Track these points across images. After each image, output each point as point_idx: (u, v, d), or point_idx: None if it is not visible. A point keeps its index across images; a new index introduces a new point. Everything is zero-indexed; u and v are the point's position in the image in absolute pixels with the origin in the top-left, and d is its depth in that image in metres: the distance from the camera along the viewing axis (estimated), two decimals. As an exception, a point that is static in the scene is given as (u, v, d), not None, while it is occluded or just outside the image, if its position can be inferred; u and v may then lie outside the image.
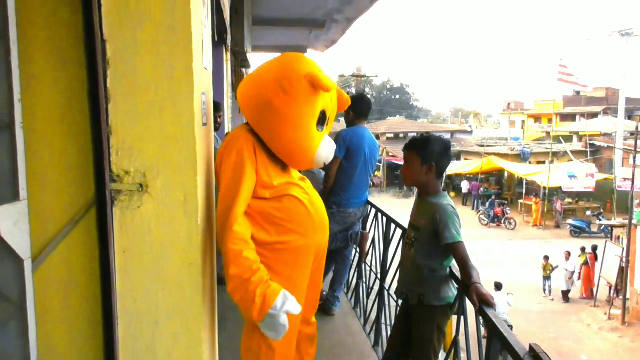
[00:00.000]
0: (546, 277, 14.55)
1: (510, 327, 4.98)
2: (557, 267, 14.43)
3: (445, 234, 2.06)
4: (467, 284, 1.92)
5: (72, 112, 1.60)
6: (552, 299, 14.29)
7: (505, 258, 16.83)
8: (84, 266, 1.64)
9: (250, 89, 2.00)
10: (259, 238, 1.93)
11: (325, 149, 2.02)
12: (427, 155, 2.16)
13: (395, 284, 2.56)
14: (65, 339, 1.64)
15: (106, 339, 1.64)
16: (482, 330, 1.86)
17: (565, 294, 14.36)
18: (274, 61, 2.03)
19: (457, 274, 2.04)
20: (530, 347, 1.22)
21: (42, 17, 1.56)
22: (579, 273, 14.45)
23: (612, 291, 13.48)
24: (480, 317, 1.70)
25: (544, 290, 14.59)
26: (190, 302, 1.71)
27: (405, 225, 2.51)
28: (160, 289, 1.69)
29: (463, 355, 2.06)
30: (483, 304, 1.76)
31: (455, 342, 2.02)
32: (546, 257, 14.57)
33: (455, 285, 2.09)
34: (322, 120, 1.99)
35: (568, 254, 14.61)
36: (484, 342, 1.67)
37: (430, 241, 2.15)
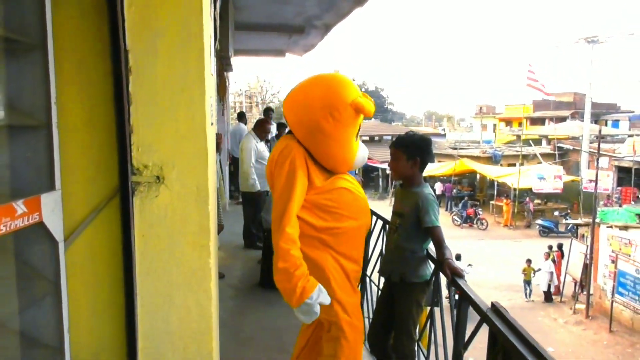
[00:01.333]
0: (527, 281, 14.55)
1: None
2: (539, 270, 14.54)
3: (425, 218, 2.31)
4: (441, 261, 2.20)
5: (99, 114, 1.83)
6: (534, 301, 14.37)
7: (477, 257, 17.36)
8: (108, 248, 1.87)
9: (300, 113, 2.30)
10: (319, 225, 2.26)
11: (360, 156, 2.43)
12: (412, 152, 2.40)
13: (376, 274, 2.83)
14: (92, 312, 1.87)
15: (128, 311, 1.88)
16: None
17: (547, 295, 14.45)
18: (320, 85, 2.31)
19: (434, 255, 2.33)
20: (492, 304, 1.51)
21: (74, 30, 1.79)
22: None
23: (577, 287, 14.11)
24: (453, 287, 1.99)
25: (526, 294, 14.53)
26: (201, 280, 1.95)
27: (387, 218, 2.78)
28: (174, 269, 1.92)
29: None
30: (455, 275, 2.05)
31: (431, 312, 2.29)
32: (529, 261, 14.66)
33: (432, 264, 2.38)
34: (358, 132, 2.38)
35: (547, 255, 14.73)
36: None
37: (413, 226, 2.39)
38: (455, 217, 23.71)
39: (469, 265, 14.00)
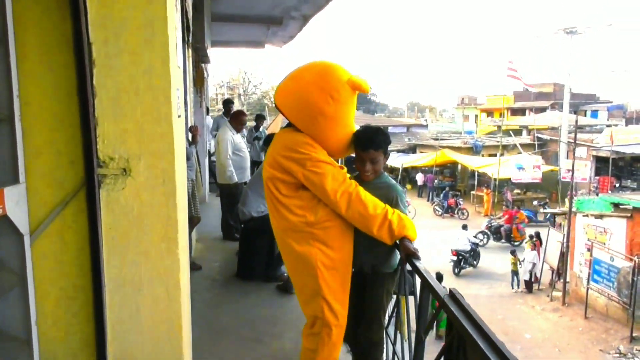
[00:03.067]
0: (514, 272, 14.61)
1: (441, 276, 5.49)
2: (524, 260, 14.61)
3: (400, 208, 2.38)
4: (402, 240, 2.25)
5: (63, 107, 1.83)
6: (522, 291, 14.47)
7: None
8: (76, 241, 1.87)
9: (298, 102, 2.36)
10: (312, 220, 2.32)
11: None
12: (386, 148, 2.48)
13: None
14: (60, 305, 1.88)
15: (96, 304, 1.88)
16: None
17: (528, 284, 14.49)
18: (312, 71, 2.40)
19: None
20: (450, 290, 1.56)
21: (36, 23, 1.78)
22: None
23: (554, 275, 14.41)
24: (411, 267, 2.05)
25: (512, 285, 14.59)
26: (169, 271, 1.97)
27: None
28: (143, 261, 1.94)
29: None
30: (410, 256, 2.12)
31: (397, 300, 2.35)
32: (513, 252, 14.81)
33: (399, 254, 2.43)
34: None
35: (533, 245, 14.78)
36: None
37: None
38: (437, 208, 23.95)
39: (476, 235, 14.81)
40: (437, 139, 31.38)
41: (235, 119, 5.85)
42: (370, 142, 2.41)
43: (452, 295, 1.53)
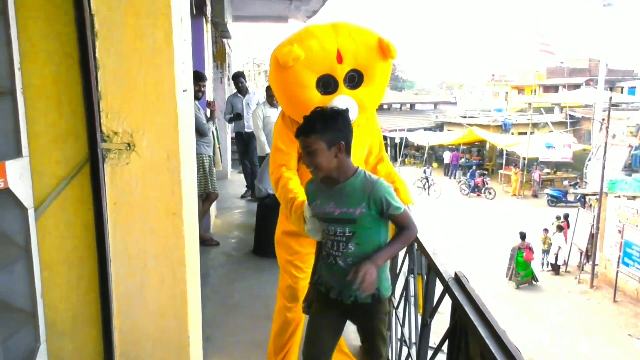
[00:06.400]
0: (545, 251, 14.12)
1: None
2: (554, 234, 14.12)
3: (394, 205, 1.82)
4: (374, 259, 1.77)
5: (66, 80, 1.81)
6: (549, 271, 14.13)
7: (484, 227, 17.36)
8: (81, 216, 1.87)
9: None
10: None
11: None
12: (331, 136, 1.81)
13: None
14: (66, 278, 1.89)
15: (101, 279, 1.89)
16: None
17: (554, 266, 14.12)
18: None
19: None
20: (455, 273, 1.50)
21: (37, -7, 1.75)
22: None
23: (582, 257, 14.07)
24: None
25: (542, 264, 14.12)
26: (174, 247, 1.96)
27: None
28: (148, 237, 1.93)
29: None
30: (362, 285, 1.68)
31: (406, 283, 2.29)
32: (545, 230, 14.30)
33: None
34: (325, 84, 2.25)
35: (560, 227, 14.22)
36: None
37: (373, 227, 1.87)
38: (463, 187, 23.59)
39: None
40: (464, 117, 30.74)
41: (269, 95, 5.87)
42: (302, 126, 1.87)
43: (458, 278, 1.46)
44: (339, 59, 2.23)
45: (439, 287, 1.72)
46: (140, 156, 1.88)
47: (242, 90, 6.57)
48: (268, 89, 6.08)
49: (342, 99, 2.24)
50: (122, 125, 1.85)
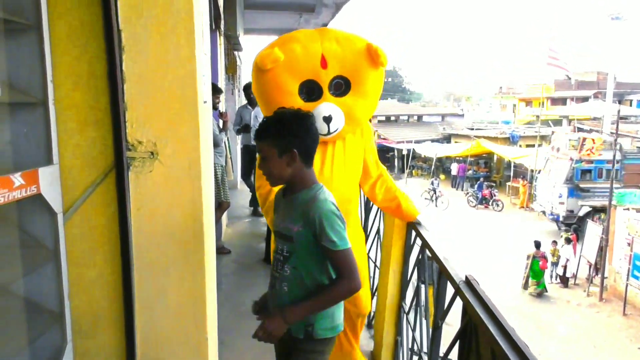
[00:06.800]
0: (553, 263, 14.08)
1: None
2: (562, 247, 14.08)
3: (324, 237, 1.59)
4: (286, 315, 1.62)
5: (94, 91, 1.90)
6: (557, 284, 14.13)
7: (492, 239, 17.32)
8: (106, 221, 1.96)
9: None
10: None
11: None
12: (283, 142, 1.65)
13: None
14: (91, 281, 1.97)
15: (124, 282, 1.97)
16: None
17: (563, 278, 14.08)
18: None
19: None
20: (466, 277, 1.56)
21: (69, 11, 1.85)
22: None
23: (591, 270, 13.98)
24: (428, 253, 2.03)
25: (551, 276, 14.10)
26: (194, 252, 2.04)
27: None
28: (169, 241, 2.01)
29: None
30: (264, 338, 1.64)
31: (418, 288, 2.35)
32: (554, 242, 14.34)
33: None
34: (308, 90, 2.18)
35: (567, 240, 14.19)
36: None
37: (312, 253, 1.65)
38: (471, 198, 23.58)
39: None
40: (472, 129, 30.78)
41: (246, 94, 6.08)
42: (258, 128, 1.74)
43: (468, 281, 1.53)
44: (323, 64, 2.12)
45: (449, 294, 1.80)
46: (163, 164, 1.97)
47: (252, 101, 6.32)
48: (245, 88, 6.19)
49: (325, 107, 2.13)
50: (146, 134, 1.94)
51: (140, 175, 1.96)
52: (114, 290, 1.98)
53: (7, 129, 1.76)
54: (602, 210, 15.91)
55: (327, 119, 2.15)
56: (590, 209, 16.85)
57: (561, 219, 17.40)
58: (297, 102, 2.14)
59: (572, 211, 17.22)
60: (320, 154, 2.18)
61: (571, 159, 17.46)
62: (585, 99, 35.37)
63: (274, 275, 1.77)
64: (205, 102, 2.16)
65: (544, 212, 18.74)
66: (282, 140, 1.65)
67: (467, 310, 1.45)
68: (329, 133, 2.17)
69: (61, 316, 1.88)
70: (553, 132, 21.89)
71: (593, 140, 17.75)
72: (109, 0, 1.83)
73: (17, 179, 1.60)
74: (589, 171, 17.61)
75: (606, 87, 26.92)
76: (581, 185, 17.29)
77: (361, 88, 2.21)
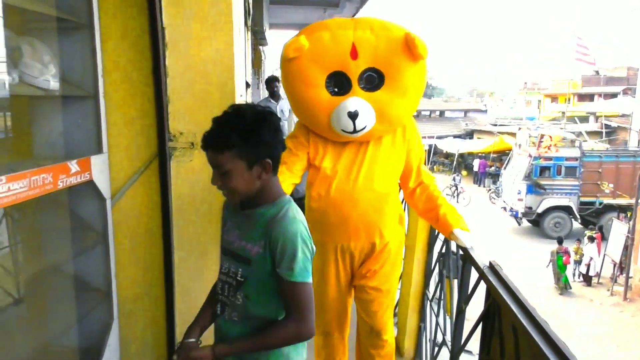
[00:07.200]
0: (577, 262, 13.82)
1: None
2: (586, 245, 13.84)
3: (283, 265, 1.31)
4: (218, 349, 1.34)
5: (140, 85, 2.04)
6: (582, 282, 13.85)
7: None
8: (149, 206, 2.10)
9: None
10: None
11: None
12: (253, 152, 1.33)
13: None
14: (135, 261, 2.12)
15: (166, 263, 2.11)
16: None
17: (586, 277, 13.82)
18: None
19: None
20: (490, 262, 1.65)
21: (118, 11, 1.99)
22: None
23: (616, 269, 13.78)
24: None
25: (574, 275, 13.78)
26: (229, 237, 2.16)
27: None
28: (206, 226, 2.14)
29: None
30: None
31: (441, 277, 2.43)
32: (578, 241, 14.06)
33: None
34: (337, 83, 1.93)
35: (591, 238, 13.87)
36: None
37: (268, 283, 1.36)
38: (492, 195, 23.37)
39: None
40: (495, 125, 30.44)
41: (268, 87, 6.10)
42: (211, 136, 1.38)
43: (492, 266, 1.61)
44: (354, 55, 1.89)
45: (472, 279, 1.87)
46: (202, 154, 2.07)
47: (275, 95, 6.05)
48: (268, 81, 6.17)
49: (353, 101, 1.89)
50: (187, 126, 2.07)
51: (181, 163, 2.09)
52: (156, 271, 2.12)
53: (61, 120, 1.91)
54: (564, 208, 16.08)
55: (353, 115, 1.87)
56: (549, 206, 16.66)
57: (520, 215, 17.15)
58: (322, 95, 1.92)
59: (530, 208, 16.94)
60: (352, 154, 1.99)
61: (530, 156, 17.04)
62: (614, 95, 34.57)
63: (223, 300, 1.45)
64: (241, 95, 2.28)
65: (504, 208, 18.52)
66: (251, 150, 1.31)
67: (490, 293, 1.53)
68: (355, 131, 1.89)
69: (108, 295, 2.02)
70: (520, 128, 21.36)
71: (551, 137, 17.27)
72: (154, 1, 1.96)
73: (74, 165, 1.75)
74: (548, 168, 17.17)
75: (636, 83, 26.31)
76: (540, 182, 16.90)
77: (397, 83, 1.94)
